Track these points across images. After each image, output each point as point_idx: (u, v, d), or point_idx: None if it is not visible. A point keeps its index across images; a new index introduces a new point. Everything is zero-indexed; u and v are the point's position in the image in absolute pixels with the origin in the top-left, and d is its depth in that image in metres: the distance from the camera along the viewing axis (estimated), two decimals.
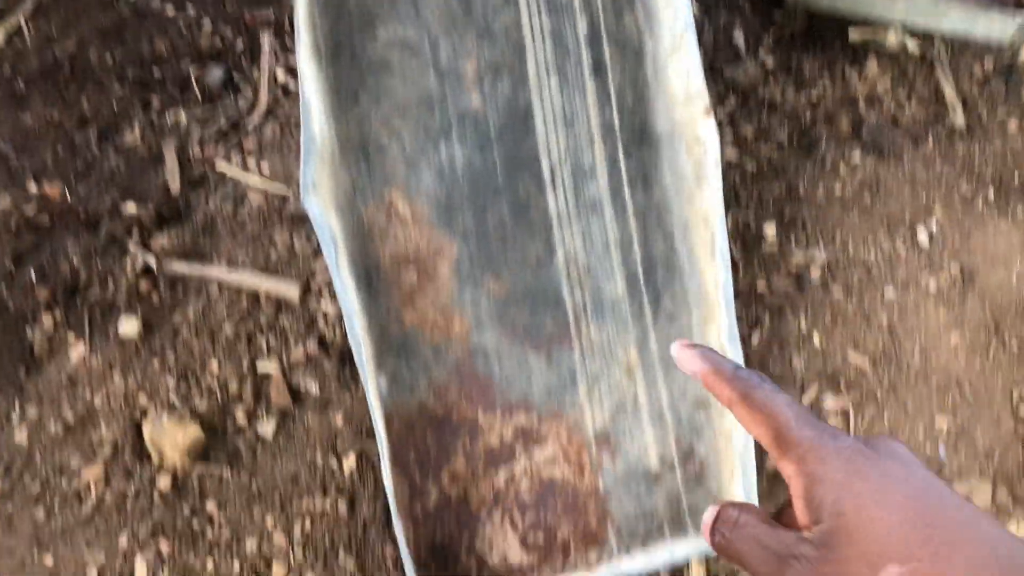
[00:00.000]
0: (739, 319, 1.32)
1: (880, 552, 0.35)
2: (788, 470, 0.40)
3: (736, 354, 1.15)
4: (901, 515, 0.36)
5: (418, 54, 1.20)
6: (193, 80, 1.48)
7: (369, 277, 1.15)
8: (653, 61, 1.24)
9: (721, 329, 1.17)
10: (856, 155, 1.47)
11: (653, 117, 1.24)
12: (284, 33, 1.50)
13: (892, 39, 1.59)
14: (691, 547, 1.09)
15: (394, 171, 1.17)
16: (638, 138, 1.24)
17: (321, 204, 1.09)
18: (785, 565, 0.38)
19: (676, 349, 0.48)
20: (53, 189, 1.36)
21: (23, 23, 1.55)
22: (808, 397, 1.27)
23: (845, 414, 1.27)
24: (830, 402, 1.27)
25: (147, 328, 1.24)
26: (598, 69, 1.24)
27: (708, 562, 1.23)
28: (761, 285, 1.35)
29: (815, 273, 1.36)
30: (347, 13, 1.19)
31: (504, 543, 1.17)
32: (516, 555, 1.17)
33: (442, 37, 1.21)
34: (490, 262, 1.19)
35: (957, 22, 1.60)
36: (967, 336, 1.34)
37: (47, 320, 1.23)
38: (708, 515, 0.43)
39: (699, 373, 0.45)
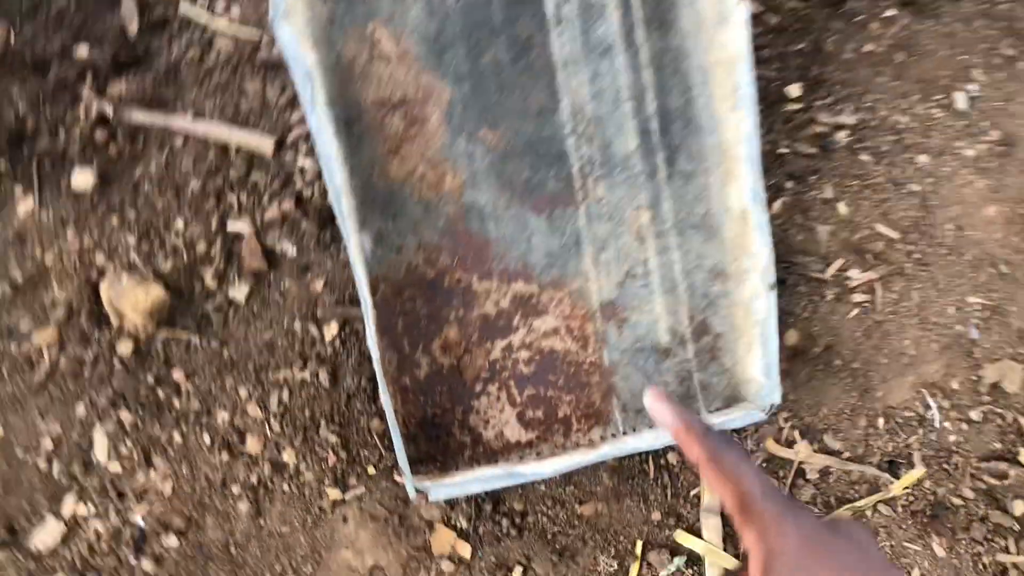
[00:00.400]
0: None
1: None
2: (749, 539, 0.40)
3: (761, 217, 1.04)
4: None
5: None
6: None
7: (350, 122, 1.02)
8: None
9: (743, 189, 1.06)
10: (890, 11, 1.33)
11: None
12: None
13: None
14: None
15: (378, 1, 1.03)
16: None
17: (294, 33, 0.95)
18: None
19: (649, 399, 0.47)
20: None
21: None
22: (832, 270, 1.17)
23: (871, 289, 1.17)
24: (856, 275, 1.17)
25: (104, 181, 1.12)
26: None
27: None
28: (783, 148, 1.23)
29: (842, 137, 1.24)
30: None
31: (500, 418, 1.07)
32: (513, 431, 1.08)
33: None
34: (486, 110, 1.06)
35: None
36: (1006, 209, 1.23)
37: None
38: None
39: (670, 428, 0.45)
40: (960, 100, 1.28)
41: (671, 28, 1.10)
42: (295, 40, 0.94)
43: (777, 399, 1.04)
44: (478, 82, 1.06)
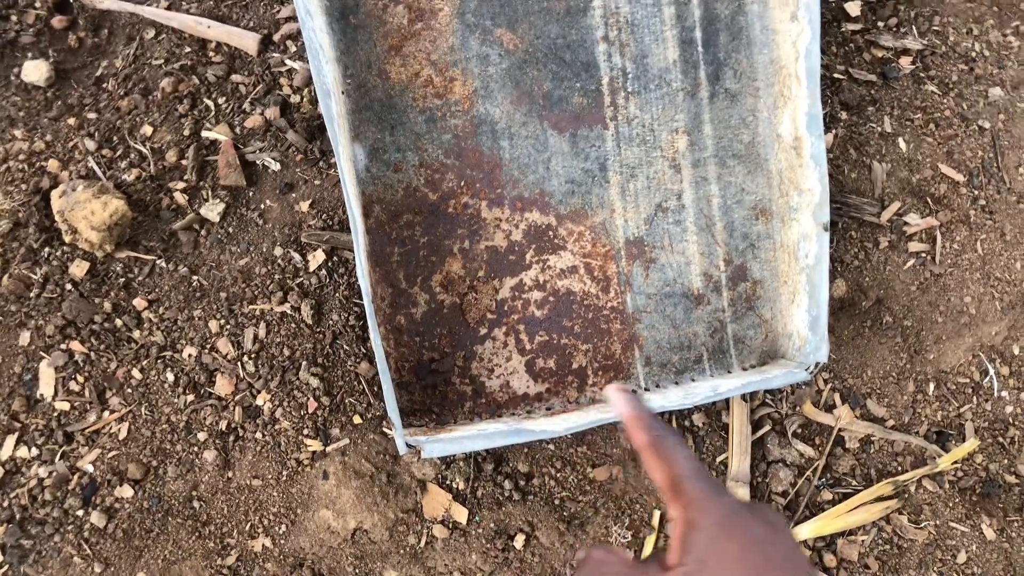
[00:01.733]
0: None
1: None
2: (674, 513, 0.44)
3: (818, 147, 0.89)
4: None
5: None
6: None
7: (345, 10, 0.87)
8: None
9: (798, 114, 0.91)
10: None
11: None
12: None
13: None
14: (735, 384, 0.87)
15: None
16: None
17: None
18: None
19: (610, 390, 0.51)
20: None
21: None
22: (888, 214, 1.03)
23: (931, 237, 1.03)
24: (914, 221, 1.03)
25: (61, 76, 0.97)
26: None
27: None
28: (838, 74, 1.08)
29: (906, 64, 1.09)
30: None
31: (507, 367, 0.94)
32: (521, 382, 0.94)
33: None
34: (505, 4, 0.91)
35: None
36: None
37: None
38: (577, 556, 0.51)
39: (623, 416, 0.49)
40: None
41: None
42: None
43: (823, 357, 0.90)
44: None
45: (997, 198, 1.06)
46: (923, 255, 1.04)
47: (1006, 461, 1.01)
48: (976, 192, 1.06)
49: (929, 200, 1.05)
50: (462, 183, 0.91)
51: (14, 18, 0.98)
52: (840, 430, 1.00)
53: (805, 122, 0.90)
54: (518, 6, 0.90)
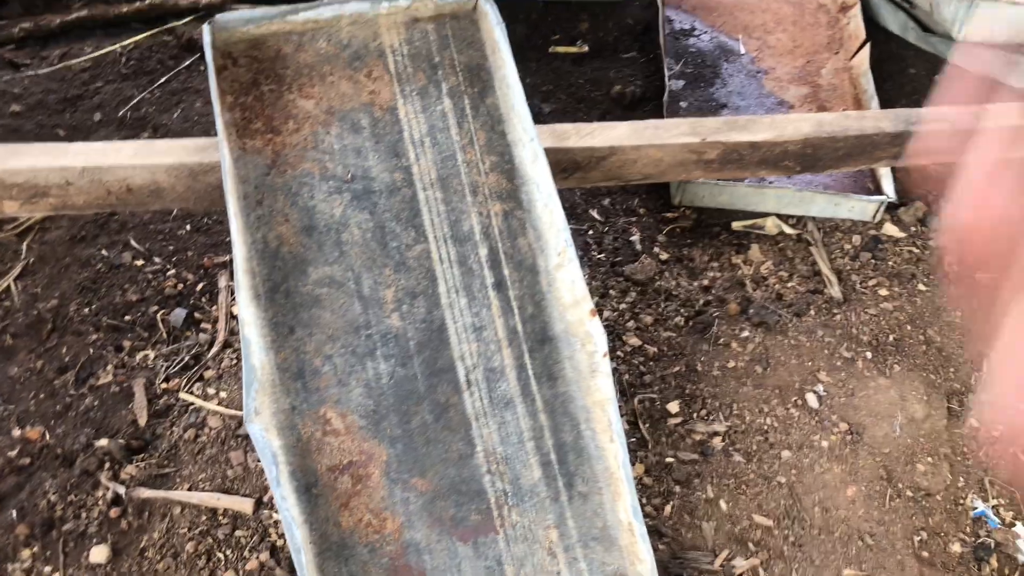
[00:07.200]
0: (651, 491, 1.47)
1: None
2: None
3: (642, 528, 1.28)
4: None
5: (344, 288, 1.41)
6: (160, 321, 1.68)
7: (308, 488, 1.30)
8: (545, 274, 1.45)
9: (627, 506, 1.31)
10: (746, 331, 1.66)
11: (550, 321, 1.43)
12: None
13: (770, 225, 1.83)
14: None
15: (328, 390, 1.35)
16: (539, 340, 1.43)
17: (263, 427, 1.25)
18: None
19: None
20: (34, 432, 1.53)
21: (12, 283, 1.78)
22: (720, 561, 1.39)
23: (756, 573, 1.39)
24: (741, 563, 1.39)
25: (116, 553, 1.38)
26: (500, 285, 1.45)
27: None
28: (670, 458, 1.50)
29: (717, 442, 1.51)
30: (281, 260, 1.41)
31: None
32: None
33: (364, 272, 1.42)
34: (416, 462, 1.34)
35: (824, 207, 1.84)
36: (863, 488, 1.47)
37: (25, 555, 1.37)
38: None
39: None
40: (812, 399, 1.57)
41: (557, 379, 1.41)
42: (263, 433, 1.25)
43: None
44: (409, 441, 1.35)
45: (802, 534, 1.43)
46: None
47: None
48: (785, 532, 1.43)
49: (750, 544, 1.42)
50: None
51: (84, 516, 1.41)
52: None
53: (632, 511, 1.30)
54: (426, 461, 1.34)
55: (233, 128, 1.41)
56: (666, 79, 2.02)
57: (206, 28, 1.38)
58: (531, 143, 1.46)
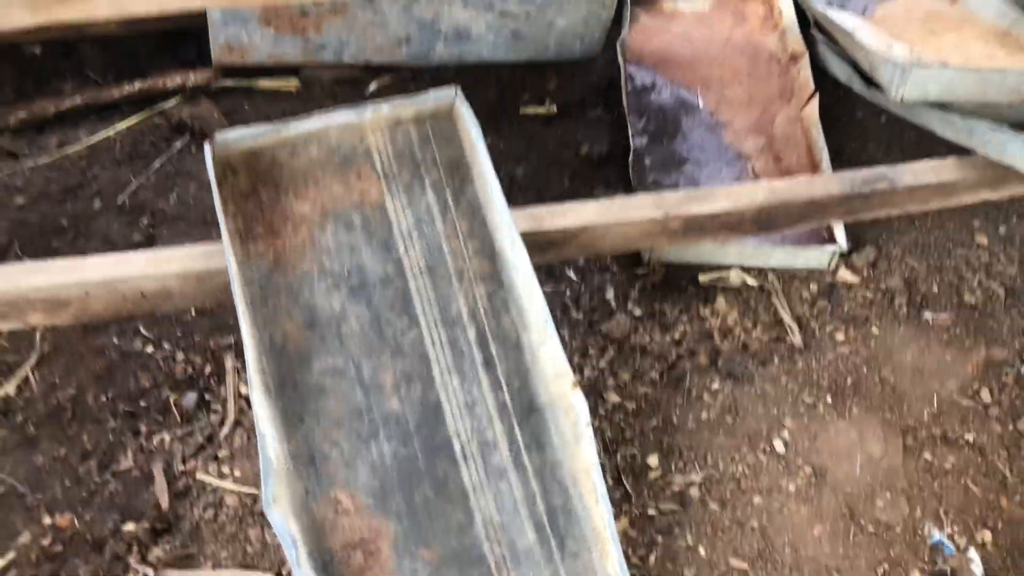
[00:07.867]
0: (636, 543, 1.61)
1: None
2: None
3: None
4: None
5: (346, 376, 1.54)
6: (172, 405, 1.81)
7: (326, 566, 1.43)
8: (529, 350, 1.59)
9: (614, 562, 1.45)
10: (716, 383, 1.81)
11: (535, 393, 1.57)
12: (243, 353, 1.85)
13: (734, 277, 1.98)
14: None
15: (336, 473, 1.48)
16: (527, 411, 1.57)
17: (282, 514, 1.38)
18: None
19: None
20: (64, 519, 1.65)
21: (30, 373, 1.89)
22: None
23: None
24: None
25: None
26: (488, 363, 1.59)
27: None
28: (651, 510, 1.64)
29: (694, 492, 1.66)
30: (287, 354, 1.54)
31: None
32: None
33: (364, 360, 1.56)
34: (421, 534, 1.47)
35: (782, 258, 1.99)
36: (828, 526, 1.62)
37: None
38: None
39: None
40: (779, 445, 1.72)
41: (545, 446, 1.55)
42: (282, 520, 1.37)
43: None
44: (413, 516, 1.49)
45: (775, 573, 1.57)
46: None
47: None
48: (760, 573, 1.58)
49: None
50: None
51: None
52: None
53: (618, 568, 1.44)
54: (429, 532, 1.48)
55: (236, 236, 1.53)
56: (631, 138, 2.16)
57: (207, 147, 1.51)
58: (508, 229, 1.60)
